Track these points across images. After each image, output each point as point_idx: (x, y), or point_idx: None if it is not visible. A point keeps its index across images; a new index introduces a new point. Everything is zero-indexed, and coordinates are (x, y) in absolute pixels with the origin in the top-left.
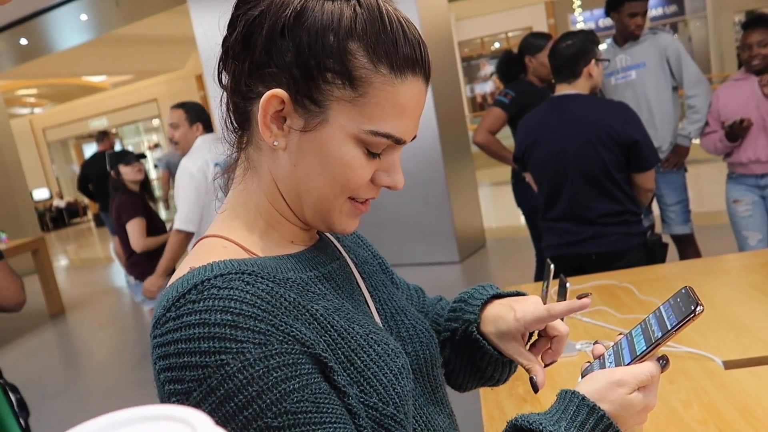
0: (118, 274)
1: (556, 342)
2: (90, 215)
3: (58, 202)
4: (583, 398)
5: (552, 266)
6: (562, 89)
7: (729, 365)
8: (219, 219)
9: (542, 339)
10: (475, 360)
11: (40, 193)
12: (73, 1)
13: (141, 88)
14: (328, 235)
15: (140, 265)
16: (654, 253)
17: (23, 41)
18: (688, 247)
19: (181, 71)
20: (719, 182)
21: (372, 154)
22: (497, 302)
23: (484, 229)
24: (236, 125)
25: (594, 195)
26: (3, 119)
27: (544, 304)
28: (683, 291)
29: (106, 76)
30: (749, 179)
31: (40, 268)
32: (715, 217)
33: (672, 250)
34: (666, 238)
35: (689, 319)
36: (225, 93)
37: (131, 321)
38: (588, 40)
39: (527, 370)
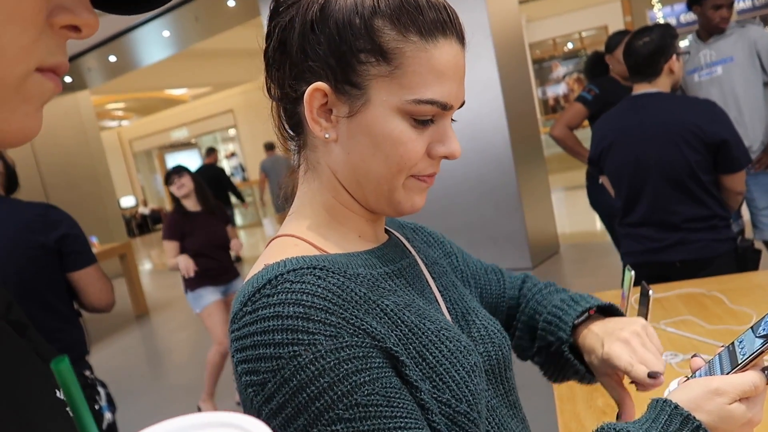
0: None
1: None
2: None
3: (142, 209)
4: (676, 407)
5: (632, 273)
6: (642, 88)
7: None
8: (287, 221)
9: None
10: (567, 372)
11: (127, 201)
12: (156, 18)
13: (218, 100)
14: (397, 235)
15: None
16: (746, 261)
17: (112, 58)
18: None
19: (256, 82)
20: None
21: (421, 125)
22: (594, 327)
23: (557, 234)
24: (291, 132)
25: (678, 198)
26: (94, 132)
27: (624, 312)
28: None
29: (187, 88)
30: None
31: (126, 271)
32: None
33: (765, 258)
34: (758, 245)
35: None
36: (274, 103)
37: None
38: (666, 34)
39: (617, 403)
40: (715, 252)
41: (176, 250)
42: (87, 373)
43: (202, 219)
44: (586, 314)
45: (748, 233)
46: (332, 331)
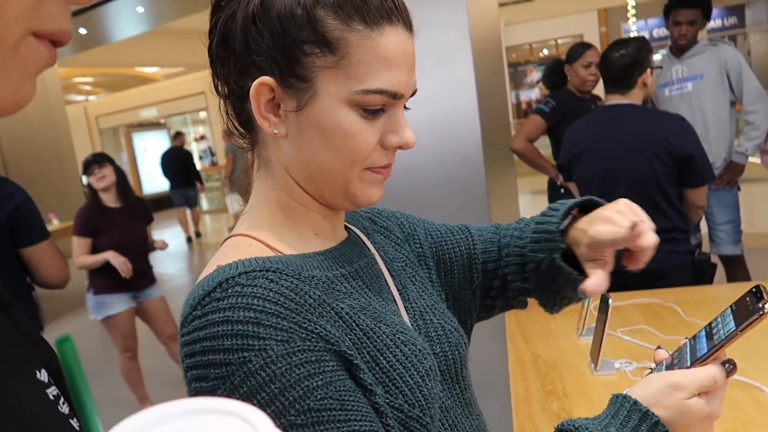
0: (160, 256)
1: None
2: None
3: None
4: (635, 403)
5: None
6: (614, 99)
7: None
8: (242, 220)
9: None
10: (562, 286)
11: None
12: None
13: (190, 81)
14: (357, 232)
15: (91, 277)
16: (702, 273)
17: (82, 30)
18: (736, 269)
19: None
20: None
21: (371, 116)
22: (579, 224)
23: None
24: (241, 129)
25: (643, 209)
26: (59, 105)
27: (584, 321)
28: (753, 290)
29: (158, 67)
30: None
31: None
32: (767, 239)
33: (719, 272)
34: (714, 259)
35: (756, 320)
36: (222, 101)
37: (177, 301)
38: (642, 48)
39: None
40: (673, 264)
41: (87, 248)
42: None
43: (120, 216)
44: (570, 216)
45: (706, 247)
46: (284, 336)
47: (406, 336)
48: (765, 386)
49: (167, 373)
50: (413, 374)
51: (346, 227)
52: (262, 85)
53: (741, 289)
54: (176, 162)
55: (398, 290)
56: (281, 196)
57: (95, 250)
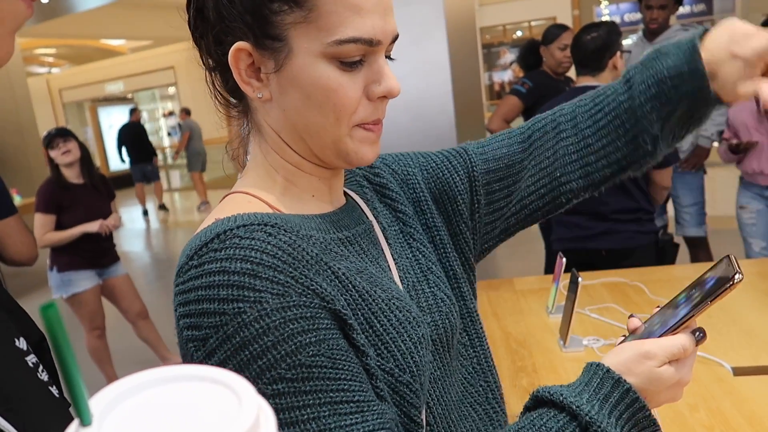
0: (127, 233)
1: None
2: None
3: None
4: (608, 370)
5: (564, 260)
6: (585, 81)
7: (738, 372)
8: (241, 179)
9: None
10: (694, 113)
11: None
12: None
13: (159, 55)
14: (356, 198)
15: (54, 254)
16: (665, 253)
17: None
18: (700, 250)
19: None
20: (735, 187)
21: (350, 68)
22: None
23: None
24: (231, 99)
25: (610, 190)
26: (20, 77)
27: (553, 300)
28: (724, 259)
29: (125, 40)
30: (756, 187)
31: None
32: (729, 221)
33: (683, 252)
34: (678, 240)
35: (726, 289)
36: (208, 73)
37: (141, 280)
38: (612, 31)
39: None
40: (637, 243)
41: (51, 225)
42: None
43: (84, 193)
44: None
45: (671, 229)
46: (280, 290)
47: (401, 302)
48: (725, 362)
49: (134, 352)
50: (406, 340)
51: (345, 193)
52: (238, 50)
53: (705, 268)
54: (132, 137)
55: (393, 259)
56: (276, 158)
57: (59, 227)
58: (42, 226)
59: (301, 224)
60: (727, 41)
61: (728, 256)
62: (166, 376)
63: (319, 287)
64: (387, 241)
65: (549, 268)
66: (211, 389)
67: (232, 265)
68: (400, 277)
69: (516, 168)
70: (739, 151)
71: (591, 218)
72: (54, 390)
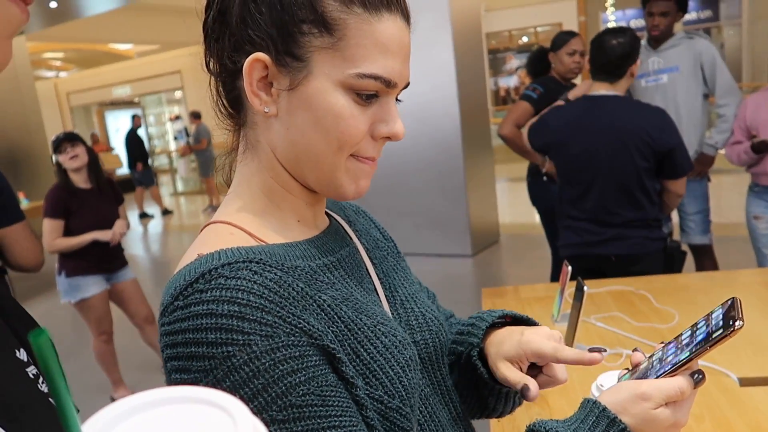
0: (135, 238)
1: (545, 382)
2: None
3: None
4: (604, 409)
5: (569, 268)
6: (601, 88)
7: (744, 382)
8: (224, 204)
9: (536, 371)
10: (479, 387)
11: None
12: None
13: (166, 59)
14: (339, 219)
15: (62, 259)
16: (673, 260)
17: (53, 4)
18: (705, 258)
19: None
20: (741, 194)
21: (364, 102)
22: (510, 327)
23: (499, 224)
24: (229, 108)
25: (621, 202)
26: (28, 81)
27: (559, 308)
28: (729, 302)
29: (132, 44)
30: None
31: None
32: (735, 229)
33: (688, 260)
34: (684, 247)
35: (727, 335)
36: (212, 78)
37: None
38: (635, 39)
39: (516, 386)
40: (647, 249)
41: (60, 230)
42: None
43: (91, 197)
44: (503, 320)
45: (676, 236)
46: (268, 331)
47: (386, 327)
48: (731, 372)
49: (140, 356)
50: (393, 365)
51: (327, 214)
52: (256, 61)
53: (711, 278)
54: (133, 143)
55: (379, 279)
56: (266, 179)
57: (67, 232)
58: (51, 231)
59: (286, 254)
60: (531, 328)
61: (734, 298)
62: (159, 398)
63: (306, 324)
64: (372, 261)
65: (555, 276)
66: (206, 411)
67: (219, 307)
68: (386, 296)
69: None
70: (762, 150)
71: (600, 225)
72: (54, 402)
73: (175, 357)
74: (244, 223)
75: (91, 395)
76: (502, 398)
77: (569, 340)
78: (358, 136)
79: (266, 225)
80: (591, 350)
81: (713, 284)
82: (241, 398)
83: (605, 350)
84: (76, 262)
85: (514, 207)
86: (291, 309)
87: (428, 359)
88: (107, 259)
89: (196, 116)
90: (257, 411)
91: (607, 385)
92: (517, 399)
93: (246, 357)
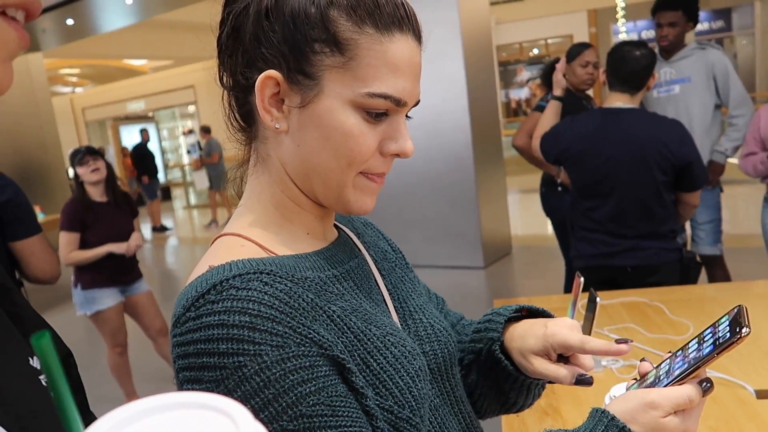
0: (145, 252)
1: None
2: None
3: None
4: (613, 418)
5: (582, 279)
6: (620, 100)
7: (761, 395)
8: (234, 216)
9: (562, 361)
10: (500, 383)
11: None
12: None
13: (179, 74)
14: (347, 231)
15: (78, 272)
16: (688, 271)
17: (69, 21)
18: (716, 269)
19: None
20: (756, 204)
21: (373, 120)
22: (529, 320)
23: (510, 235)
24: (241, 122)
25: (637, 216)
26: (45, 97)
27: (571, 317)
28: (735, 310)
29: (147, 60)
30: None
31: None
32: (748, 240)
33: (701, 272)
34: (698, 258)
35: (734, 342)
36: (225, 92)
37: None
38: (653, 51)
39: (565, 379)
40: (663, 260)
41: (76, 243)
42: (71, 351)
43: (107, 211)
44: (519, 314)
45: (687, 246)
46: (278, 341)
47: (395, 338)
48: (747, 384)
49: (154, 368)
50: (403, 375)
51: (336, 226)
52: (268, 78)
53: (726, 289)
54: (139, 157)
55: (388, 290)
56: (276, 192)
57: (83, 245)
58: (67, 244)
59: (296, 266)
60: (552, 319)
61: (740, 306)
62: (163, 403)
63: (316, 335)
64: (381, 273)
65: (569, 287)
66: (209, 416)
67: (231, 318)
68: (395, 307)
69: None
70: None
71: (616, 235)
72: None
73: (186, 368)
74: (255, 235)
75: (105, 407)
76: (524, 391)
77: None
78: (366, 154)
79: (276, 238)
80: (618, 342)
81: (728, 295)
82: (252, 408)
83: (631, 341)
84: (91, 275)
85: (526, 218)
86: (301, 320)
87: (437, 370)
88: (122, 272)
89: (206, 131)
90: (268, 421)
91: None
92: (537, 391)
93: (257, 367)
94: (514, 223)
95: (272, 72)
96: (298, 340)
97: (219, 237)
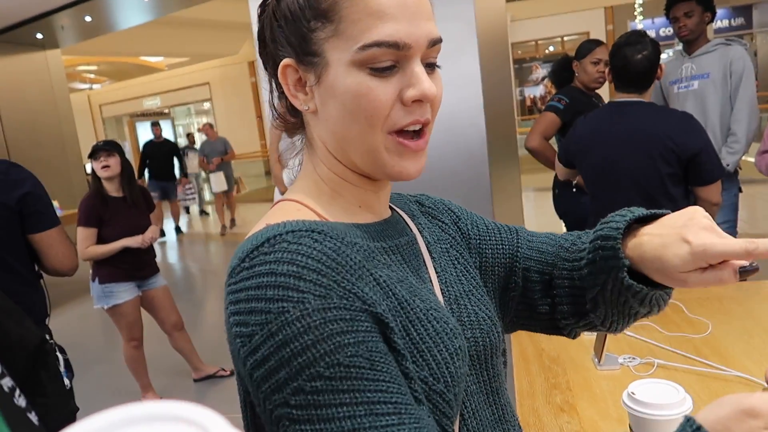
0: (162, 246)
1: (713, 279)
2: None
3: None
4: (699, 428)
5: None
6: (630, 97)
7: None
8: (292, 187)
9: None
10: (633, 305)
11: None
12: None
13: (195, 71)
14: (401, 213)
15: (96, 266)
16: None
17: (88, 18)
18: None
19: (235, 57)
20: None
21: (380, 74)
22: (653, 234)
23: None
24: (290, 117)
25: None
26: (63, 93)
27: None
28: None
29: (163, 57)
30: None
31: None
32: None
33: None
34: None
35: None
36: (277, 94)
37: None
38: (657, 48)
39: (725, 283)
40: None
41: (93, 238)
42: (47, 337)
43: (123, 206)
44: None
45: None
46: (322, 292)
47: (438, 313)
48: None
49: (169, 362)
50: (442, 350)
51: (391, 208)
52: (286, 66)
53: (745, 288)
54: (156, 156)
55: (436, 272)
56: (324, 170)
57: (99, 239)
58: (84, 239)
59: (347, 232)
60: (682, 225)
61: None
62: (133, 415)
63: (360, 291)
64: (431, 255)
65: None
66: (181, 429)
67: (280, 267)
68: (441, 290)
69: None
70: None
71: None
72: (33, 417)
73: (236, 312)
74: (310, 203)
75: (121, 399)
76: (663, 299)
77: (598, 350)
78: (381, 109)
79: (329, 208)
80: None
81: (747, 294)
82: (291, 352)
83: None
84: (109, 270)
85: (541, 217)
86: (347, 276)
87: (477, 357)
88: (139, 267)
89: (212, 127)
90: (304, 366)
91: (639, 394)
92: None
93: (299, 313)
94: (528, 221)
95: (287, 60)
96: (342, 294)
97: (278, 202)
